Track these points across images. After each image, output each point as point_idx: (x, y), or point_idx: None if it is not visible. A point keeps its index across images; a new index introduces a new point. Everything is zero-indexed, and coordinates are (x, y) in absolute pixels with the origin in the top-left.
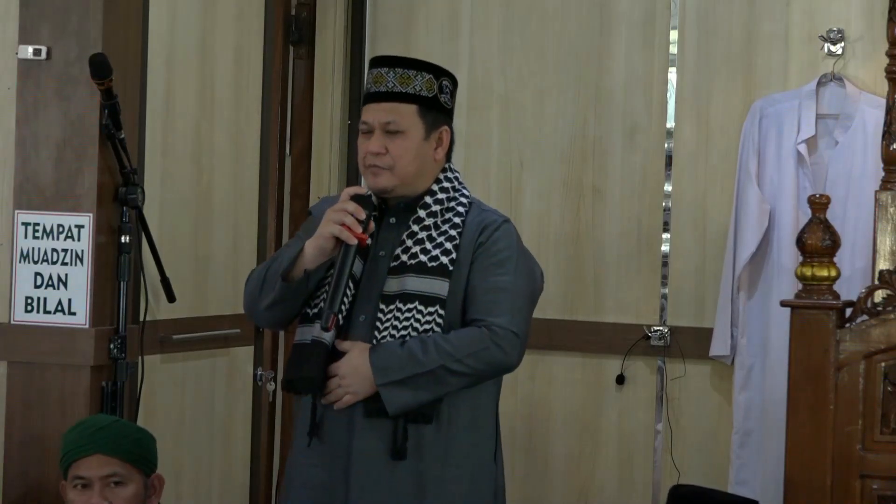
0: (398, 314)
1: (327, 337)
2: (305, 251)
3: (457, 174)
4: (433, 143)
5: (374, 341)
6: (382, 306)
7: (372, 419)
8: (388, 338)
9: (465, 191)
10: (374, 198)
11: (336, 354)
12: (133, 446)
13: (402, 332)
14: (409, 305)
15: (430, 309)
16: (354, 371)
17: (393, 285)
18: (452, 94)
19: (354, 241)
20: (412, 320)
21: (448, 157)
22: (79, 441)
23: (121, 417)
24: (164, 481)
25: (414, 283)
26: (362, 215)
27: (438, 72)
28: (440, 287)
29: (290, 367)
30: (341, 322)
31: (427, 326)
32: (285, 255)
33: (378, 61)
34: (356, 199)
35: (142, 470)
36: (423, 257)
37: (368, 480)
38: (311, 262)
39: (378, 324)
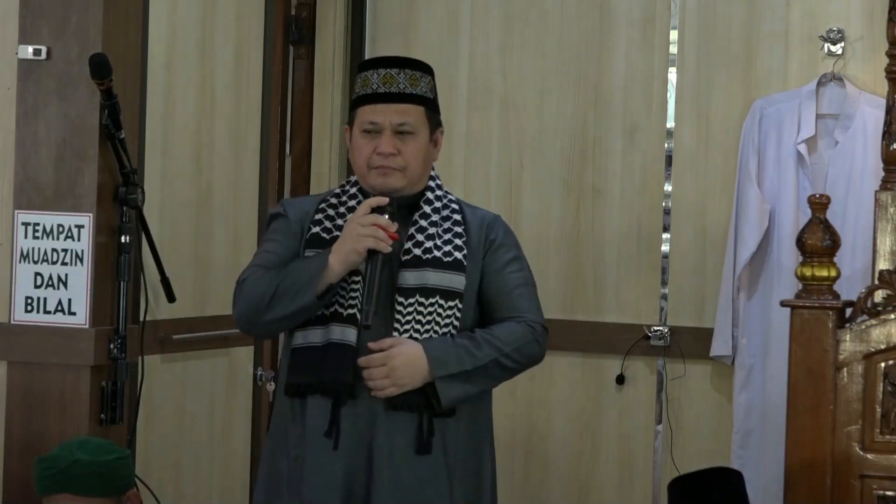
0: (420, 308)
1: (352, 339)
2: (333, 267)
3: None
4: (433, 144)
5: (395, 334)
6: (401, 299)
7: (393, 414)
8: (412, 332)
9: (446, 188)
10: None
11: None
12: (98, 482)
13: (427, 327)
14: (431, 300)
15: (451, 303)
16: (409, 363)
17: (409, 278)
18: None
19: (388, 250)
20: (434, 314)
21: None
22: (44, 480)
23: (92, 436)
24: (140, 497)
25: (434, 278)
26: (393, 228)
27: (431, 72)
28: (458, 282)
29: (305, 370)
30: (360, 316)
31: (447, 321)
32: (302, 272)
33: (387, 61)
34: (379, 207)
35: (112, 495)
36: (437, 252)
37: (392, 476)
38: (337, 277)
39: (399, 316)
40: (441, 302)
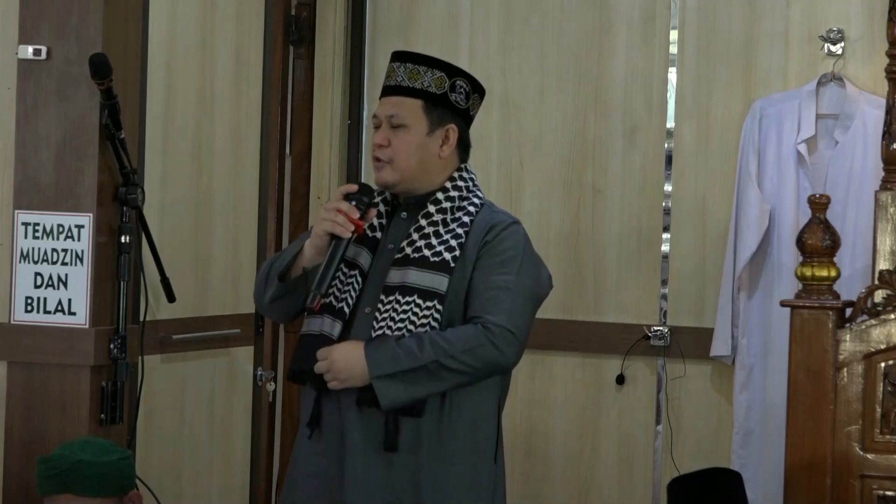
0: (396, 306)
1: (335, 331)
2: (304, 251)
3: (473, 175)
4: (438, 140)
5: (372, 331)
6: (383, 297)
7: (365, 410)
8: (386, 329)
9: (479, 192)
10: (376, 192)
11: None
12: (100, 482)
13: (399, 325)
14: (408, 298)
15: (429, 303)
16: (347, 360)
17: (395, 277)
18: (469, 96)
19: (347, 235)
20: (409, 313)
21: (464, 158)
22: (46, 480)
23: (94, 437)
24: (142, 497)
25: (414, 277)
26: (355, 214)
27: (454, 72)
28: (440, 282)
29: (295, 357)
30: (347, 310)
31: (424, 321)
32: (288, 252)
33: (394, 56)
34: (360, 187)
35: (114, 496)
36: (426, 252)
37: (363, 472)
38: (309, 262)
39: (377, 314)
40: (419, 301)
